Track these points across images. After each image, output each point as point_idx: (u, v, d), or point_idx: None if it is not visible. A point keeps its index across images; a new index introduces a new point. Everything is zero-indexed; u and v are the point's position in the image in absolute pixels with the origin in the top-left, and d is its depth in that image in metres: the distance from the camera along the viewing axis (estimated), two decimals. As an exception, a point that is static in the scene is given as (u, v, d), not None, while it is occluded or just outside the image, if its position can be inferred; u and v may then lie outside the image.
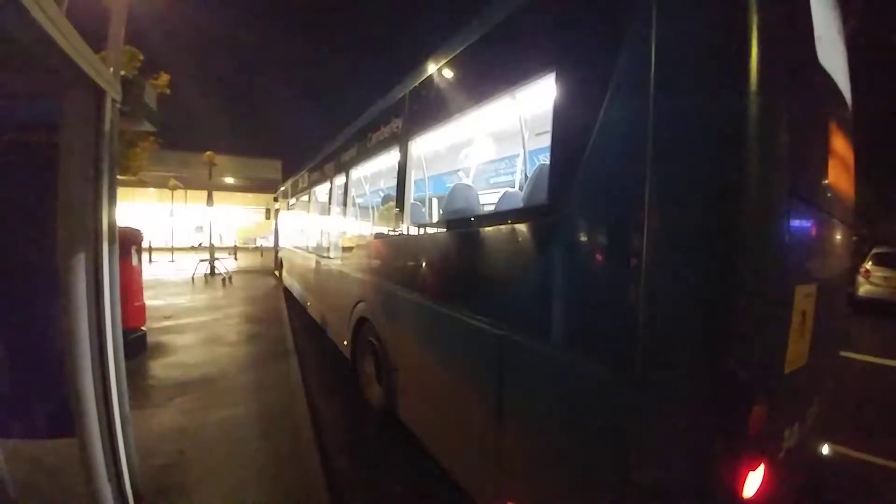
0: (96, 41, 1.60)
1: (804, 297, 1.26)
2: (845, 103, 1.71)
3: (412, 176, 2.91)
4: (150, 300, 5.99)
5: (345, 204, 4.41)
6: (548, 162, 1.62)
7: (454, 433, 2.20)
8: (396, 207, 2.91)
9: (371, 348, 3.32)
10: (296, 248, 8.01)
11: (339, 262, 4.45)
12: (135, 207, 24.90)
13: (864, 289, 9.10)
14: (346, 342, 3.95)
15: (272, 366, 4.32)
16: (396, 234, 2.94)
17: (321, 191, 5.78)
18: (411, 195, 2.95)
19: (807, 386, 1.46)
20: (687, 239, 1.09)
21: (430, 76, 2.53)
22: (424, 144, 3.15)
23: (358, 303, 3.57)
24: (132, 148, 10.98)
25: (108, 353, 1.53)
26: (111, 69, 1.64)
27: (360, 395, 3.58)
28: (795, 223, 1.20)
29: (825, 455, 2.03)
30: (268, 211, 13.83)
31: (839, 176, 1.60)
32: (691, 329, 1.08)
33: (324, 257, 5.24)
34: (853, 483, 2.63)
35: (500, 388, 1.76)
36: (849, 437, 2.97)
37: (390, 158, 3.19)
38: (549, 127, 1.56)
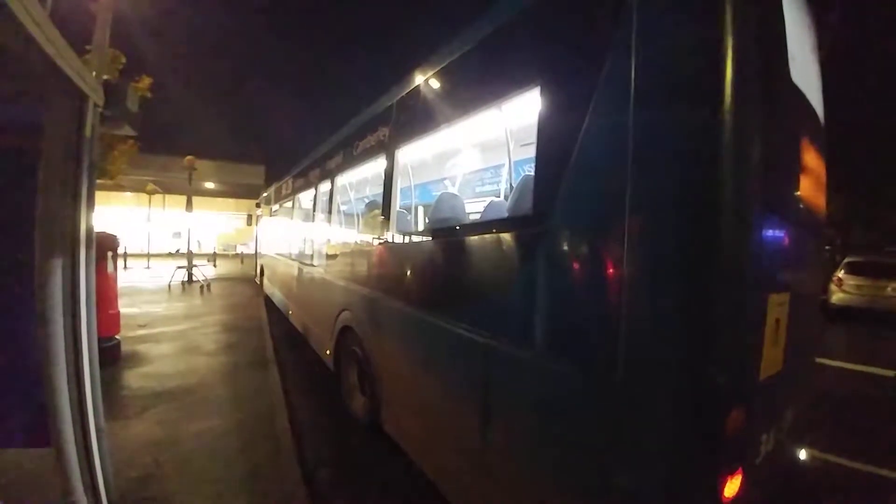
0: (77, 38, 1.57)
1: (777, 306, 1.30)
2: (818, 119, 1.79)
3: (398, 184, 2.93)
4: (125, 308, 5.81)
5: (330, 211, 4.37)
6: (532, 173, 1.66)
7: (439, 443, 2.19)
8: (382, 215, 2.91)
9: (355, 358, 3.28)
10: (278, 255, 7.86)
11: (322, 270, 4.40)
12: (110, 212, 24.21)
13: (836, 297, 9.40)
14: (328, 352, 3.91)
15: (252, 376, 4.23)
16: (382, 242, 2.93)
17: (305, 197, 5.68)
18: (397, 203, 2.96)
19: (782, 391, 1.51)
20: (664, 250, 1.14)
21: (417, 87, 2.56)
22: (411, 153, 3.18)
23: (342, 311, 3.52)
24: (110, 151, 10.69)
25: (83, 363, 1.48)
26: (94, 73, 1.62)
27: (342, 405, 3.54)
28: (768, 234, 1.25)
29: (803, 460, 2.08)
30: (249, 217, 13.54)
31: (810, 189, 1.66)
32: (670, 337, 1.12)
33: (307, 265, 5.17)
34: (826, 486, 2.72)
35: (485, 395, 1.77)
36: (823, 441, 3.08)
37: (376, 167, 3.21)
38: (533, 138, 1.60)
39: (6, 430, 1.62)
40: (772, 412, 1.46)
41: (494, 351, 1.71)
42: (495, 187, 4.80)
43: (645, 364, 1.15)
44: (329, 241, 4.48)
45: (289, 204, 7.00)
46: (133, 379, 4.03)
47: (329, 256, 4.24)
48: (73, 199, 1.44)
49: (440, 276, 2.25)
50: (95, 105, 1.53)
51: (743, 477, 1.16)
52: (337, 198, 4.32)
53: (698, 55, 1.11)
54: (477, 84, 2.08)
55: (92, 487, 1.54)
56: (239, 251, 27.32)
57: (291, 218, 6.73)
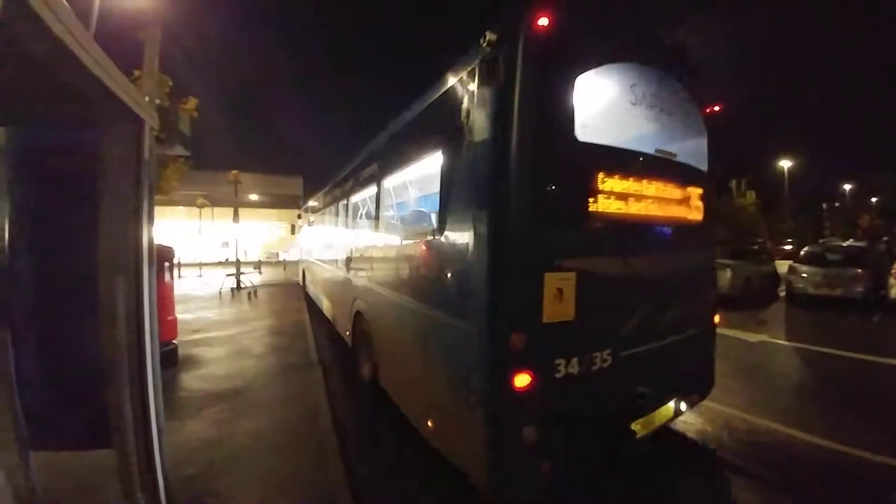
0: (123, 59, 1.70)
1: (559, 280, 2.03)
2: (629, 154, 2.40)
3: (384, 203, 3.89)
4: (181, 314, 6.18)
5: (346, 223, 5.52)
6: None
7: (404, 381, 3.13)
8: (373, 226, 4.00)
9: (363, 334, 4.13)
10: (315, 259, 8.91)
11: (343, 268, 5.35)
12: (165, 225, 25.84)
13: None
14: (347, 332, 4.93)
15: (297, 377, 4.42)
16: (371, 246, 4.11)
17: (330, 211, 6.97)
18: (384, 215, 3.89)
19: (581, 335, 2.16)
20: (481, 249, 2.01)
21: (388, 138, 3.70)
22: (395, 181, 3.80)
23: (355, 300, 4.44)
24: (164, 169, 11.44)
25: (146, 366, 1.60)
26: (147, 98, 1.75)
27: (357, 373, 4.31)
28: (549, 238, 2.03)
29: (679, 408, 2.77)
30: (292, 227, 14.29)
31: (616, 205, 2.28)
32: (486, 297, 1.98)
33: (333, 266, 6.23)
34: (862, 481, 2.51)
35: (424, 345, 2.68)
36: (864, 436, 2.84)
37: (370, 190, 4.21)
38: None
39: (68, 432, 1.76)
40: (568, 346, 2.11)
41: (426, 315, 2.63)
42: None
43: (479, 313, 2.03)
44: (345, 245, 5.48)
45: (320, 216, 8.31)
46: (189, 381, 4.31)
47: (347, 258, 5.23)
48: (134, 216, 1.56)
49: (399, 268, 3.25)
50: (151, 128, 1.65)
51: (533, 378, 1.97)
52: (349, 212, 5.34)
53: (502, 140, 1.94)
54: (416, 144, 3.01)
55: (151, 486, 1.64)
56: (281, 258, 28.42)
57: (323, 228, 7.93)
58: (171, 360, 4.71)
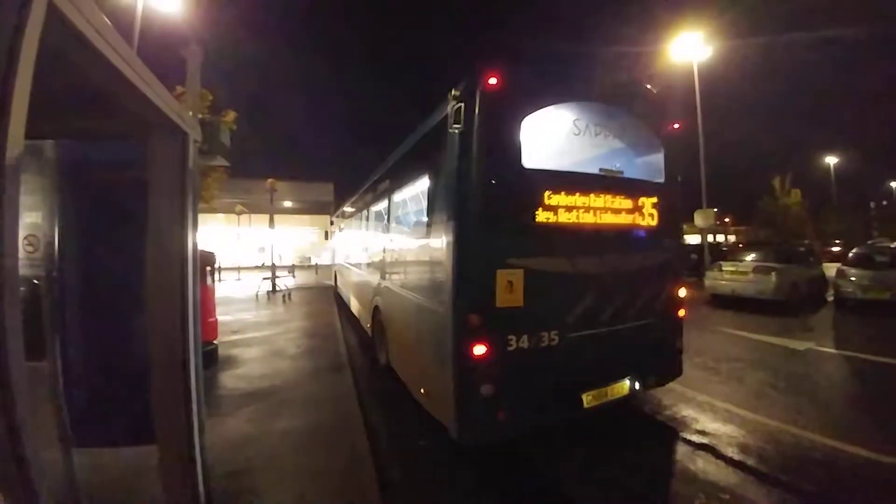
0: (163, 72, 1.81)
1: (509, 275, 2.58)
2: (574, 175, 2.98)
3: (393, 214, 4.66)
4: (221, 316, 6.43)
5: (366, 231, 6.43)
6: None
7: (405, 359, 3.81)
8: (385, 233, 4.85)
9: (379, 324, 4.84)
10: (342, 262, 9.91)
11: (366, 270, 6.11)
12: (207, 231, 26.96)
13: None
14: (368, 325, 5.68)
15: (329, 379, 4.53)
16: (384, 250, 4.88)
17: (354, 219, 8.09)
18: (393, 225, 4.61)
19: (529, 318, 2.68)
20: (452, 248, 2.63)
21: (394, 163, 4.64)
22: (400, 197, 4.47)
23: (375, 296, 5.10)
24: (205, 178, 12.02)
25: (189, 366, 1.69)
26: (190, 112, 1.86)
27: (376, 361, 5.04)
28: (500, 243, 2.60)
29: (633, 387, 3.15)
30: (326, 233, 14.85)
31: (552, 216, 2.79)
32: (452, 287, 2.61)
33: (358, 268, 7.11)
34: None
35: (416, 328, 3.38)
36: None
37: (383, 204, 5.07)
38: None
39: (114, 429, 1.85)
40: (518, 326, 2.64)
41: (417, 304, 3.35)
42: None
43: (447, 299, 2.65)
44: (367, 250, 6.29)
45: (347, 224, 9.35)
46: (228, 380, 4.50)
47: (368, 261, 6.05)
48: (180, 223, 1.66)
49: (401, 267, 4.12)
50: (195, 141, 1.76)
51: (488, 349, 2.52)
52: (369, 221, 6.17)
53: (463, 167, 2.61)
54: (412, 168, 3.90)
55: (192, 482, 1.71)
56: (313, 262, 29.16)
57: (350, 234, 8.86)
58: (211, 359, 4.92)
